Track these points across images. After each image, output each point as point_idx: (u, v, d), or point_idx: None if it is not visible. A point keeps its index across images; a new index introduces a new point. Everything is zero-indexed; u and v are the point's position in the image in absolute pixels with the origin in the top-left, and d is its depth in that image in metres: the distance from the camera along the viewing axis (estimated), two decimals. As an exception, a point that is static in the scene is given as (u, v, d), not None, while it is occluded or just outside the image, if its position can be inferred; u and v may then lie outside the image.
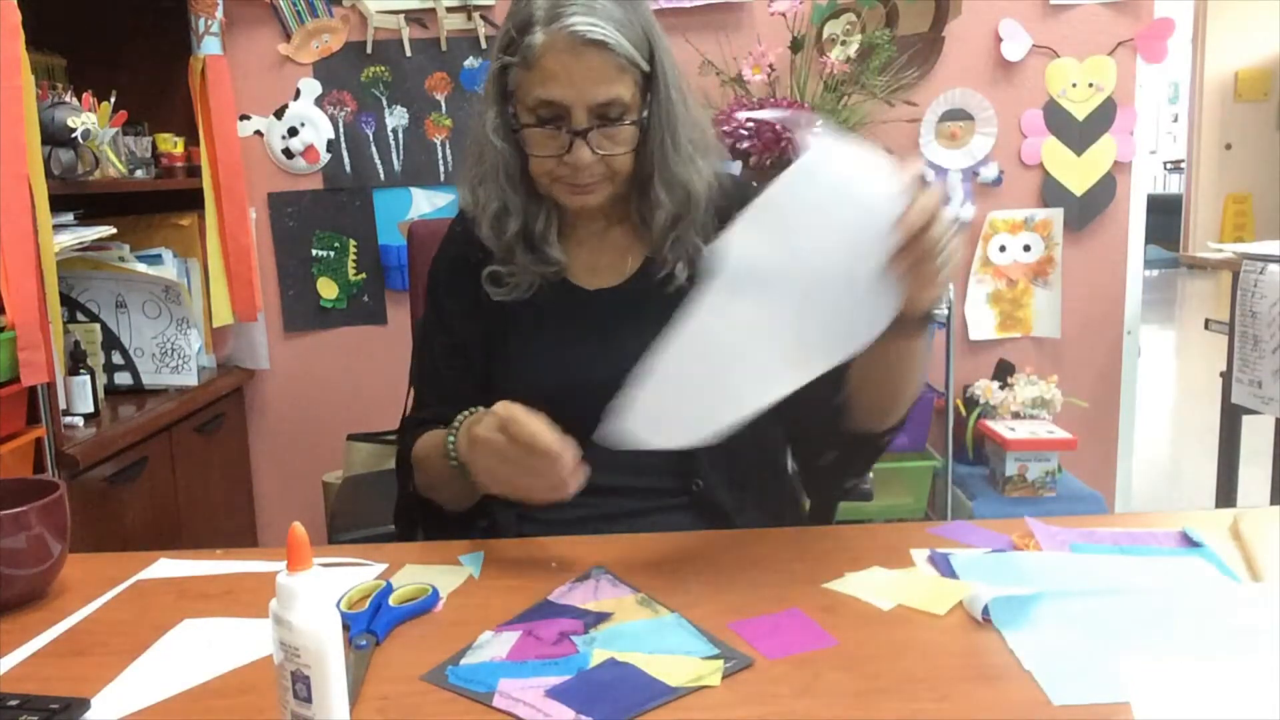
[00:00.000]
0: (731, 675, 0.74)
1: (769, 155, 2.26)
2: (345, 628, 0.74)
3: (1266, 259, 2.17)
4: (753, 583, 0.91)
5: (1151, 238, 2.81)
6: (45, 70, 2.22)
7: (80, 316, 2.10)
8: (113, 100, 2.01)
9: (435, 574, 0.95)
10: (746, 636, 0.80)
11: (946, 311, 2.50)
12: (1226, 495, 2.46)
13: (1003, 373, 2.60)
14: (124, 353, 2.14)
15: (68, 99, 1.91)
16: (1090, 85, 2.51)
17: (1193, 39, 7.35)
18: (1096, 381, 2.66)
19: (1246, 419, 2.38)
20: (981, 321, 2.62)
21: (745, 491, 1.17)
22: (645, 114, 1.10)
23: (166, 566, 1.01)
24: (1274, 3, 7.05)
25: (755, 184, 1.21)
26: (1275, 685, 0.70)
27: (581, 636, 0.81)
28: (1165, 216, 7.27)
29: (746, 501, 1.16)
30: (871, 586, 0.89)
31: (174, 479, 2.12)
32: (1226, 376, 2.32)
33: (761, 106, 2.28)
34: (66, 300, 2.05)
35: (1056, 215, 2.58)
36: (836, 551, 0.97)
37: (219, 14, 2.33)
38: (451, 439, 1.02)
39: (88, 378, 1.92)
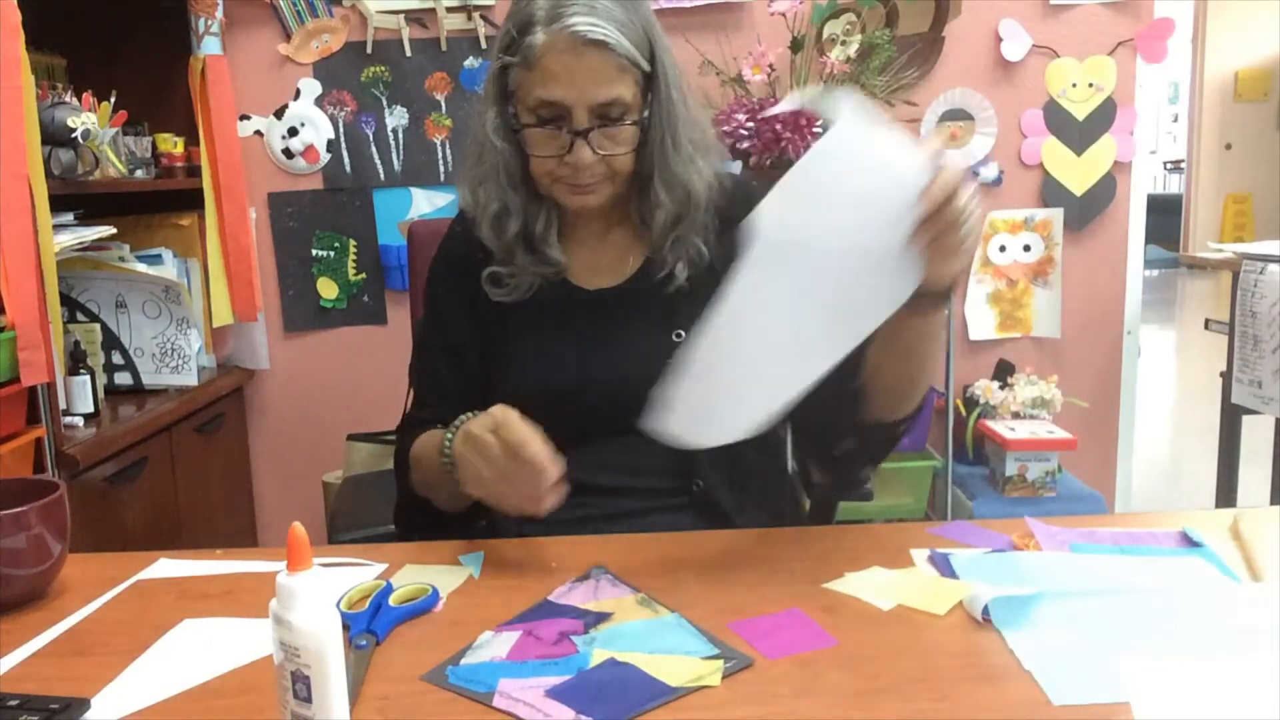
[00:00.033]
0: (731, 675, 0.74)
1: (769, 155, 2.26)
2: (345, 628, 0.74)
3: (1266, 259, 2.17)
4: (753, 583, 0.91)
5: (1151, 238, 2.81)
6: (45, 70, 2.22)
7: (80, 316, 2.10)
8: (113, 100, 2.01)
9: (435, 574, 0.95)
10: (746, 636, 0.80)
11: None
12: (1226, 495, 2.46)
13: (1003, 373, 2.60)
14: (124, 353, 2.14)
15: (68, 99, 1.91)
16: (1090, 85, 2.51)
17: (1193, 39, 7.36)
18: (1096, 381, 2.66)
19: (1246, 419, 2.38)
20: (981, 321, 2.62)
21: (745, 491, 1.17)
22: (646, 114, 1.10)
23: (166, 566, 1.01)
24: (1274, 3, 7.05)
25: (756, 184, 1.21)
26: (1275, 685, 0.70)
27: (581, 636, 0.81)
28: (1165, 216, 7.27)
29: (746, 501, 1.16)
30: (871, 586, 0.89)
31: (174, 479, 2.12)
32: (1226, 376, 2.32)
33: (762, 107, 2.28)
34: (66, 300, 2.05)
35: (1056, 215, 2.58)
36: (836, 551, 0.97)
37: (219, 14, 2.33)
38: (449, 438, 1.02)
39: (88, 378, 1.92)
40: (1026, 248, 2.60)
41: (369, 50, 2.47)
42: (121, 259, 2.08)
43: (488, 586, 0.93)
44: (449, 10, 2.45)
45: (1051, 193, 2.57)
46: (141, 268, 2.11)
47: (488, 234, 1.16)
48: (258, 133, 2.52)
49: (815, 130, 2.25)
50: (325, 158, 2.53)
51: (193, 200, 2.35)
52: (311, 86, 2.50)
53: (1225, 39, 7.34)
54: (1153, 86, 2.54)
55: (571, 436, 1.11)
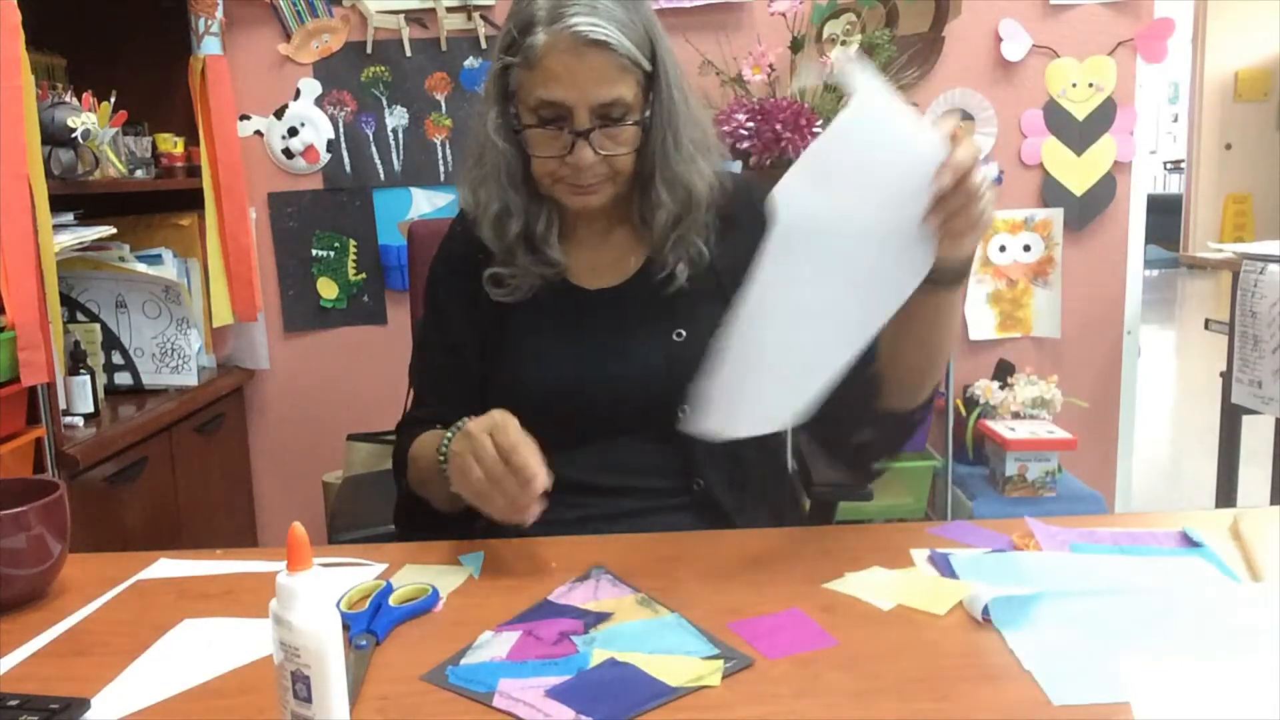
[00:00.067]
0: (731, 675, 0.74)
1: (769, 155, 2.26)
2: (345, 628, 0.74)
3: (1266, 259, 2.17)
4: (753, 583, 0.91)
5: (1151, 238, 2.81)
6: (45, 70, 2.22)
7: (80, 316, 2.10)
8: (113, 100, 2.01)
9: (435, 574, 0.95)
10: (746, 636, 0.80)
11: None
12: (1226, 495, 2.46)
13: (1003, 373, 2.60)
14: (124, 353, 2.14)
15: (68, 99, 1.91)
16: (1090, 85, 2.51)
17: (1193, 39, 7.36)
18: (1096, 381, 2.66)
19: (1246, 419, 2.38)
20: (981, 321, 2.62)
21: (745, 491, 1.17)
22: (647, 114, 1.10)
23: (166, 566, 1.01)
24: (1274, 2, 7.05)
25: (758, 183, 1.21)
26: (1275, 685, 0.70)
27: (581, 636, 0.81)
28: (1165, 216, 7.27)
29: (746, 501, 1.16)
30: (871, 586, 0.89)
31: (174, 479, 2.12)
32: (1226, 376, 2.32)
33: (762, 107, 2.28)
34: (66, 300, 2.05)
35: (1056, 215, 2.58)
36: (836, 551, 0.97)
37: (219, 14, 2.33)
38: (449, 437, 1.02)
39: (88, 378, 1.92)
40: (1026, 248, 2.60)
41: (369, 50, 2.47)
42: (121, 259, 2.08)
43: (488, 586, 0.93)
44: (449, 10, 2.45)
45: (1051, 193, 2.57)
46: (141, 268, 2.11)
47: (489, 234, 1.16)
48: (258, 133, 2.52)
49: (815, 130, 2.25)
50: (325, 158, 2.53)
51: (193, 200, 2.35)
52: (311, 86, 2.50)
53: (1225, 39, 7.34)
54: (1153, 86, 2.54)
55: (572, 436, 1.11)
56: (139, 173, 2.25)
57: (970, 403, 2.56)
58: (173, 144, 2.39)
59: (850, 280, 0.90)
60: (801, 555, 0.97)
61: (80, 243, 1.89)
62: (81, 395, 1.91)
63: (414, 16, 2.46)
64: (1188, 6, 6.94)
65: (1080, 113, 2.53)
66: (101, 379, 2.03)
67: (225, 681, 0.77)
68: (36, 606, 0.91)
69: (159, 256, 2.21)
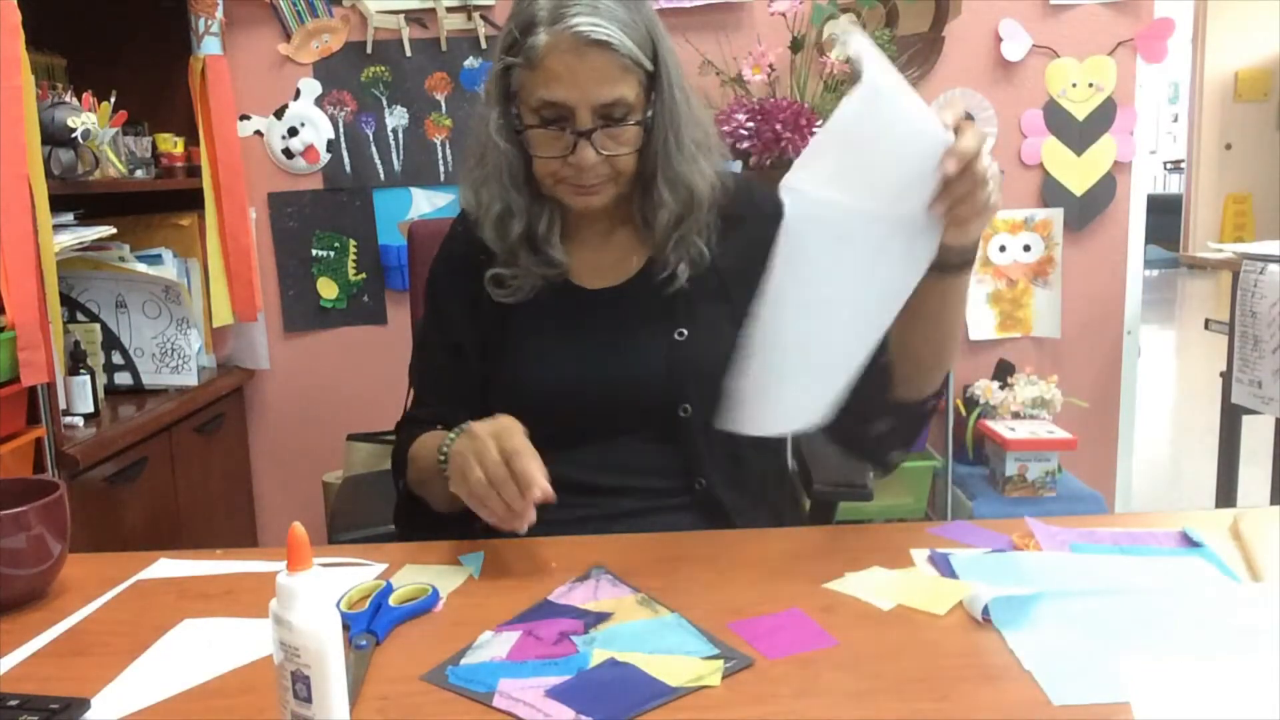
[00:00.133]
0: (731, 675, 0.74)
1: (769, 155, 2.26)
2: (345, 628, 0.74)
3: (1266, 259, 2.17)
4: (753, 583, 0.91)
5: (1151, 238, 2.81)
6: (45, 70, 2.22)
7: (80, 316, 2.10)
8: (113, 100, 2.01)
9: (435, 574, 0.95)
10: (746, 636, 0.80)
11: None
12: (1226, 495, 2.46)
13: (1003, 373, 2.60)
14: (124, 353, 2.14)
15: (68, 99, 1.91)
16: (1090, 85, 2.51)
17: (1193, 39, 7.36)
18: (1096, 381, 2.66)
19: (1246, 419, 2.38)
20: (981, 321, 2.62)
21: (746, 491, 1.17)
22: (649, 114, 1.10)
23: (166, 566, 1.01)
24: (1274, 2, 7.05)
25: (759, 183, 1.21)
26: (1275, 685, 0.70)
27: (581, 636, 0.81)
28: (1165, 216, 7.27)
29: (747, 501, 1.16)
30: (871, 586, 0.89)
31: (174, 479, 2.12)
32: (1226, 376, 2.32)
33: (762, 107, 2.28)
34: (66, 300, 2.05)
35: (1056, 215, 2.58)
36: (836, 551, 0.97)
37: (219, 14, 2.33)
38: (451, 438, 1.02)
39: (88, 378, 1.92)
40: (1026, 248, 2.60)
41: (369, 50, 2.47)
42: (121, 259, 2.08)
43: (488, 586, 0.93)
44: (449, 10, 2.45)
45: (1051, 193, 2.57)
46: (141, 268, 2.11)
47: (491, 235, 1.16)
48: (258, 133, 2.52)
49: (815, 130, 2.24)
50: (325, 158, 2.53)
51: (193, 200, 2.35)
52: (311, 86, 2.50)
53: (1225, 39, 7.34)
54: (1153, 86, 2.54)
55: (573, 436, 1.11)
56: (139, 173, 2.25)
57: (970, 403, 2.56)
58: (173, 144, 2.39)
59: (862, 268, 0.91)
60: (801, 555, 0.97)
61: (80, 243, 1.89)
62: (81, 395, 1.91)
63: (414, 16, 2.46)
64: (1188, 6, 6.94)
65: (1080, 113, 2.53)
66: (101, 379, 2.03)
67: (225, 681, 0.77)
68: (36, 606, 0.91)
69: (159, 256, 2.21)
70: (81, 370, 1.92)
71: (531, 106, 1.08)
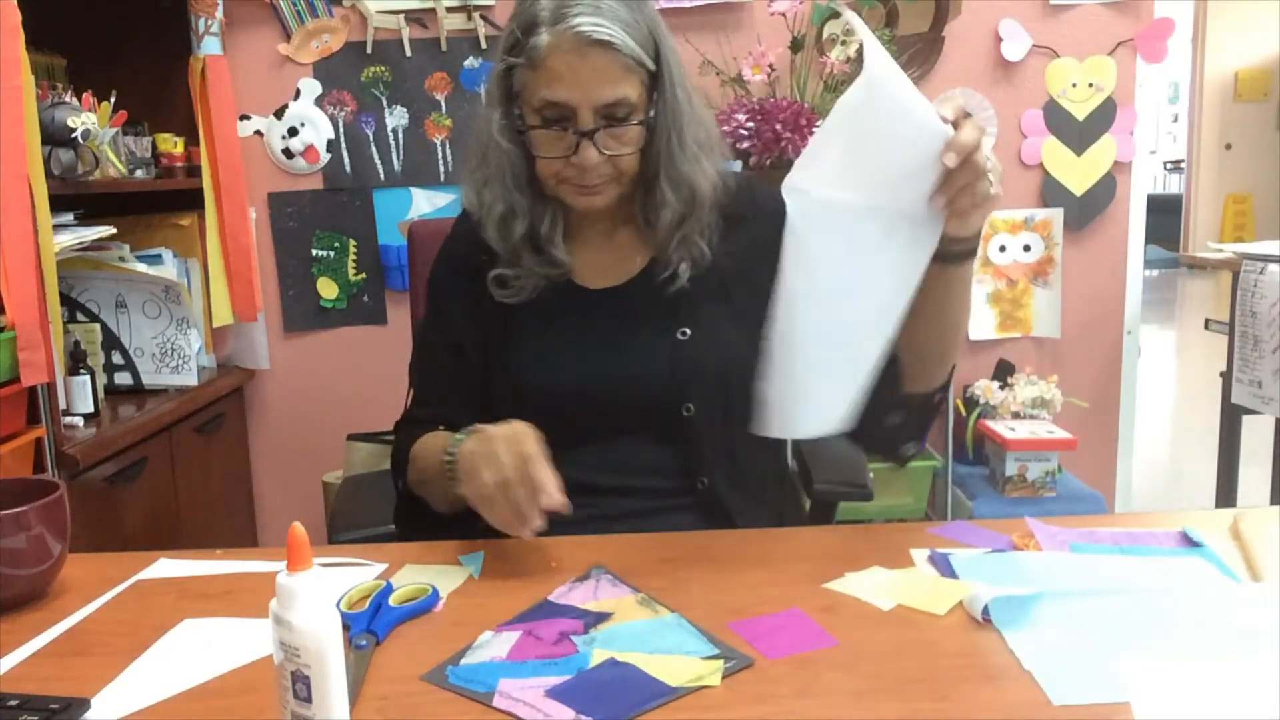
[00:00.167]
0: (731, 675, 0.74)
1: (769, 155, 2.26)
2: (345, 628, 0.74)
3: (1266, 259, 2.17)
4: (753, 583, 0.91)
5: (1151, 238, 2.81)
6: (45, 70, 2.22)
7: (80, 316, 2.10)
8: (113, 100, 2.01)
9: (435, 574, 0.95)
10: (746, 636, 0.80)
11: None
12: (1226, 495, 2.46)
13: (1003, 373, 2.60)
14: (124, 353, 2.14)
15: (68, 99, 1.91)
16: (1090, 85, 2.51)
17: (1193, 39, 7.36)
18: (1096, 381, 2.66)
19: (1246, 419, 2.38)
20: (981, 321, 2.62)
21: (748, 491, 1.17)
22: (652, 113, 1.10)
23: (166, 566, 1.01)
24: (1274, 2, 7.05)
25: (760, 183, 1.21)
26: (1275, 685, 0.70)
27: (581, 636, 0.81)
28: (1165, 216, 7.27)
29: (749, 501, 1.16)
30: (871, 586, 0.89)
31: (174, 479, 2.12)
32: (1226, 376, 2.32)
33: (762, 107, 2.28)
34: (66, 300, 2.05)
35: (1056, 215, 2.58)
36: (836, 551, 0.97)
37: (219, 14, 2.33)
38: (459, 439, 1.02)
39: (88, 378, 1.92)
40: (1026, 248, 2.60)
41: (369, 50, 2.47)
42: (121, 259, 2.08)
43: (488, 586, 0.93)
44: (449, 10, 2.45)
45: (1051, 193, 2.57)
46: (141, 268, 2.10)
47: (494, 236, 1.16)
48: (258, 133, 2.52)
49: (814, 130, 2.24)
50: (325, 158, 2.53)
51: (193, 200, 2.35)
52: (311, 86, 2.50)
53: (1225, 39, 7.34)
54: (1153, 86, 2.54)
55: (576, 436, 1.11)
56: (139, 173, 2.25)
57: (970, 403, 2.56)
58: (173, 144, 2.38)
59: (868, 263, 0.92)
60: (801, 555, 0.97)
61: (80, 243, 1.89)
62: (81, 395, 1.91)
63: (414, 16, 2.46)
64: (1188, 6, 6.94)
65: (1080, 113, 2.53)
66: (101, 379, 2.03)
67: (225, 681, 0.77)
68: (36, 606, 0.91)
69: (159, 256, 2.21)
70: (81, 370, 1.92)
71: (534, 107, 1.08)
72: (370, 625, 0.83)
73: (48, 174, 1.75)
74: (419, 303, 1.47)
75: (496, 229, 1.16)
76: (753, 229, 1.16)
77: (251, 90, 2.49)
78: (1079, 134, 2.54)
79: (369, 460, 2.18)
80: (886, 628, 0.82)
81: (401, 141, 2.52)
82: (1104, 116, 2.53)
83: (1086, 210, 2.57)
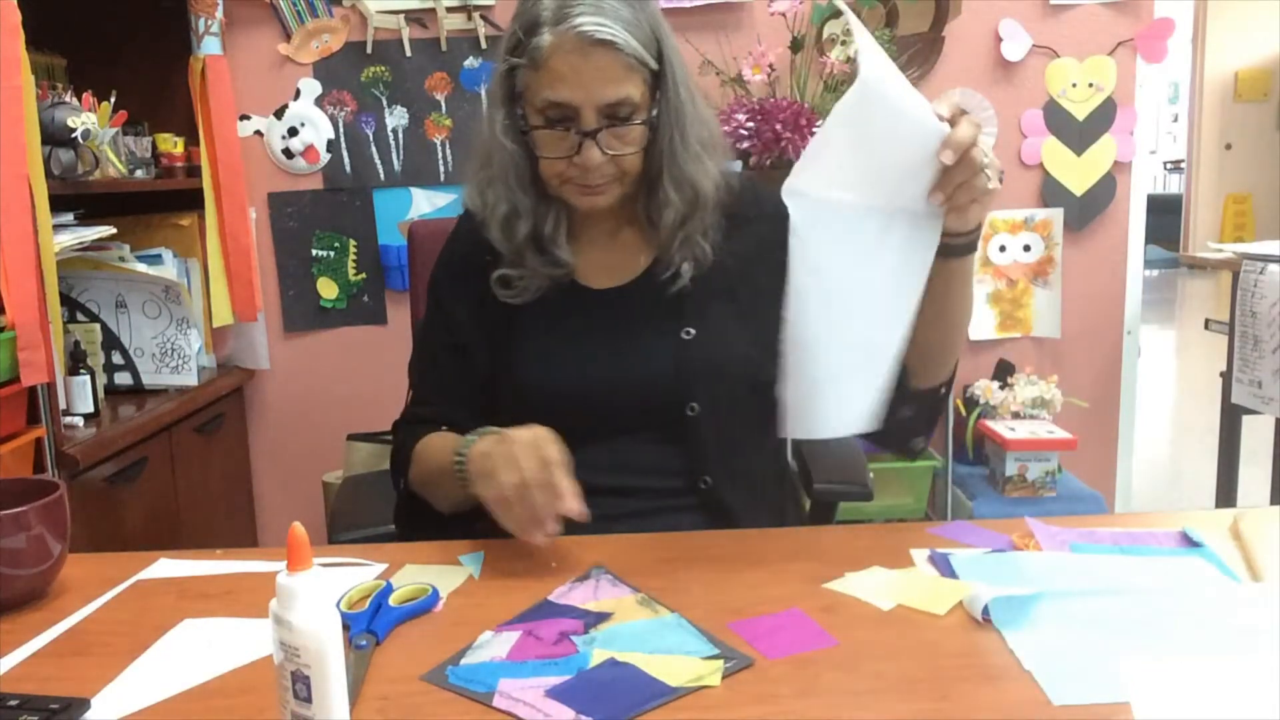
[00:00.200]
0: (731, 675, 0.74)
1: (769, 155, 2.26)
2: (345, 628, 0.74)
3: (1266, 259, 2.17)
4: (753, 583, 0.91)
5: (1151, 238, 2.81)
6: (45, 70, 2.22)
7: (80, 316, 2.10)
8: (113, 100, 2.01)
9: (435, 574, 0.95)
10: (746, 636, 0.80)
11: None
12: (1226, 495, 2.46)
13: (1003, 373, 2.60)
14: (124, 353, 2.14)
15: (68, 99, 1.91)
16: (1090, 85, 2.51)
17: (1193, 39, 7.36)
18: (1096, 381, 2.66)
19: (1246, 419, 2.38)
20: (981, 321, 2.62)
21: (750, 490, 1.17)
22: (654, 113, 1.10)
23: (166, 566, 1.01)
24: (1274, 2, 7.05)
25: (763, 184, 1.21)
26: (1275, 685, 0.70)
27: (581, 636, 0.81)
28: (1165, 216, 7.28)
29: (751, 501, 1.16)
30: (871, 586, 0.89)
31: (174, 479, 2.12)
32: (1226, 376, 2.32)
33: (762, 107, 2.28)
34: (66, 300, 2.05)
35: (1056, 215, 2.58)
36: (836, 551, 0.97)
37: (219, 14, 2.33)
38: (471, 440, 1.01)
39: (88, 378, 1.92)
40: (1026, 248, 2.60)
41: (369, 50, 2.47)
42: (121, 259, 2.08)
43: (488, 586, 0.93)
44: (449, 10, 2.45)
45: (1051, 193, 2.57)
46: (141, 268, 2.10)
47: (497, 236, 1.16)
48: (258, 133, 2.52)
49: (814, 131, 2.24)
50: (325, 158, 2.53)
51: (193, 200, 2.35)
52: (311, 86, 2.50)
53: (1225, 39, 7.34)
54: (1153, 86, 2.54)
55: (580, 436, 1.11)
56: (139, 173, 2.25)
57: (970, 403, 2.56)
58: (173, 144, 2.39)
59: (873, 261, 0.93)
60: (801, 555, 0.97)
61: (80, 243, 1.89)
62: (81, 395, 1.91)
63: (414, 16, 2.46)
64: (1188, 6, 6.94)
65: (1080, 113, 2.53)
66: (101, 379, 2.03)
67: (225, 681, 0.77)
68: (36, 606, 0.91)
69: (159, 256, 2.21)
70: (81, 370, 1.92)
71: (536, 107, 1.08)
72: (370, 625, 0.83)
73: (48, 174, 1.75)
74: (419, 303, 1.47)
75: (500, 229, 1.16)
76: (756, 229, 1.17)
77: (251, 90, 2.49)
78: (1079, 134, 2.54)
79: (369, 460, 2.18)
80: (886, 628, 0.82)
81: (401, 141, 2.52)
82: (1104, 116, 2.53)
83: (1086, 210, 2.57)
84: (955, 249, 0.97)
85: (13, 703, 0.71)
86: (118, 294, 2.12)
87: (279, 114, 2.51)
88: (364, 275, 2.58)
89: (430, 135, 2.52)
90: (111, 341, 2.13)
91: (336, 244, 2.57)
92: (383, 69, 2.49)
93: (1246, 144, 7.49)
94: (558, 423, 0.99)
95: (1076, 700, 0.69)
